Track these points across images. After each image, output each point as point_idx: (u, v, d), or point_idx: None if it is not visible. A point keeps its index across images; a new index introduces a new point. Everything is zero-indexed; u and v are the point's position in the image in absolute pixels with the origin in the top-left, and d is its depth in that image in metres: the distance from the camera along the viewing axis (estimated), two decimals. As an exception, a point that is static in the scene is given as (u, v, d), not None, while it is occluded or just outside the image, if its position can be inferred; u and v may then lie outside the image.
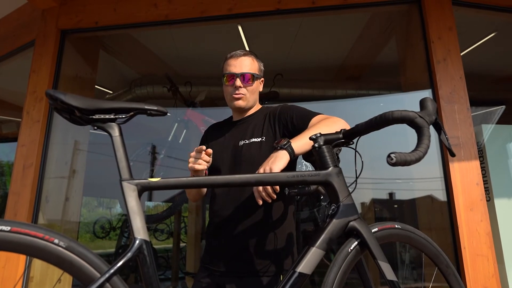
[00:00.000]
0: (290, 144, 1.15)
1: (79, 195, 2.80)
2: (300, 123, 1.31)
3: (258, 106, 1.52)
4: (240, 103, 1.42)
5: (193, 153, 1.25)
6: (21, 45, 2.86)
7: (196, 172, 1.25)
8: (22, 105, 2.55)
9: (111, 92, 4.20)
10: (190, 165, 1.24)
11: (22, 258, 2.23)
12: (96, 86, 3.30)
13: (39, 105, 2.48)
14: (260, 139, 1.38)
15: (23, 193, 2.34)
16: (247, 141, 1.40)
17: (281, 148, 1.14)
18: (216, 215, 1.38)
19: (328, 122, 1.22)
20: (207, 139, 1.54)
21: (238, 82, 1.39)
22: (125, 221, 5.77)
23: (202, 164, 1.23)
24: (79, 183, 2.77)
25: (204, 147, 1.24)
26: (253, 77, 1.42)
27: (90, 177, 2.97)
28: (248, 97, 1.43)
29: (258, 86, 1.48)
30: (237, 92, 1.41)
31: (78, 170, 2.76)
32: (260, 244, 1.30)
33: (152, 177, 3.98)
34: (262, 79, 1.50)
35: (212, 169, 1.43)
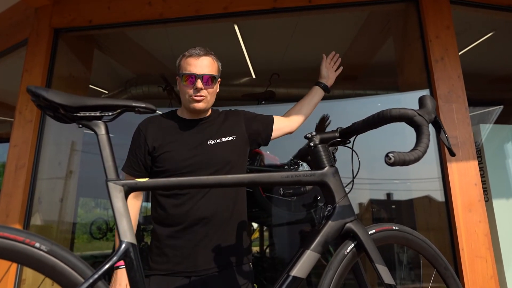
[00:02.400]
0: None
1: (73, 196, 2.75)
2: (266, 130, 1.53)
3: (210, 110, 1.50)
4: (200, 105, 1.37)
5: None
6: (14, 44, 2.82)
7: None
8: (15, 105, 2.51)
9: (106, 92, 4.15)
10: None
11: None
12: (90, 86, 3.26)
13: (31, 105, 2.44)
14: (231, 137, 1.41)
15: (15, 194, 2.30)
16: (218, 140, 1.39)
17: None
18: (188, 215, 1.31)
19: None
20: (149, 136, 1.39)
21: (200, 83, 1.34)
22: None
23: None
24: (73, 183, 2.73)
25: None
26: (214, 79, 1.39)
27: (87, 178, 2.94)
28: (209, 99, 1.39)
29: (217, 87, 1.45)
30: (198, 94, 1.35)
31: (72, 170, 2.72)
32: (233, 236, 1.35)
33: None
34: (220, 79, 1.46)
35: (170, 170, 1.34)
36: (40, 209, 2.43)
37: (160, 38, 3.35)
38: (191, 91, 1.36)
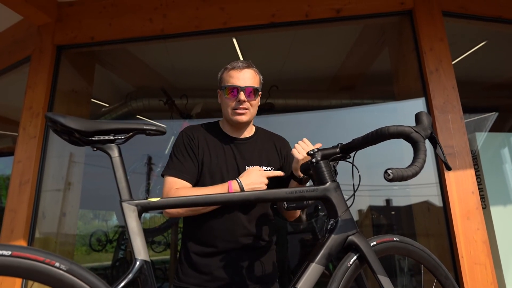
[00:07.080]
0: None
1: (75, 209, 2.78)
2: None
3: (252, 126, 1.49)
4: (243, 118, 1.36)
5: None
6: (17, 61, 2.86)
7: None
8: (17, 120, 2.54)
9: (107, 105, 4.20)
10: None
11: (18, 278, 2.19)
12: (92, 100, 3.30)
13: (35, 121, 2.47)
14: (269, 168, 1.39)
15: (19, 210, 2.32)
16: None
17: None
18: (220, 239, 1.31)
19: None
20: (200, 145, 1.38)
21: (242, 96, 1.33)
22: (122, 234, 5.73)
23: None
24: (75, 196, 2.76)
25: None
26: (256, 91, 1.38)
27: (85, 190, 2.96)
28: (251, 112, 1.39)
29: (259, 100, 1.44)
30: (241, 106, 1.35)
31: (74, 183, 2.75)
32: (263, 260, 1.36)
33: (148, 190, 3.97)
34: (261, 92, 1.46)
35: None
36: (44, 224, 2.45)
37: (161, 52, 3.41)
38: (233, 104, 1.35)
